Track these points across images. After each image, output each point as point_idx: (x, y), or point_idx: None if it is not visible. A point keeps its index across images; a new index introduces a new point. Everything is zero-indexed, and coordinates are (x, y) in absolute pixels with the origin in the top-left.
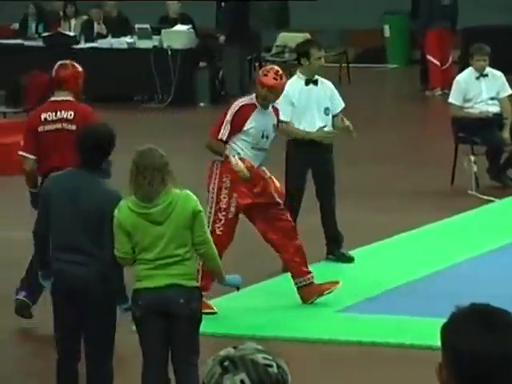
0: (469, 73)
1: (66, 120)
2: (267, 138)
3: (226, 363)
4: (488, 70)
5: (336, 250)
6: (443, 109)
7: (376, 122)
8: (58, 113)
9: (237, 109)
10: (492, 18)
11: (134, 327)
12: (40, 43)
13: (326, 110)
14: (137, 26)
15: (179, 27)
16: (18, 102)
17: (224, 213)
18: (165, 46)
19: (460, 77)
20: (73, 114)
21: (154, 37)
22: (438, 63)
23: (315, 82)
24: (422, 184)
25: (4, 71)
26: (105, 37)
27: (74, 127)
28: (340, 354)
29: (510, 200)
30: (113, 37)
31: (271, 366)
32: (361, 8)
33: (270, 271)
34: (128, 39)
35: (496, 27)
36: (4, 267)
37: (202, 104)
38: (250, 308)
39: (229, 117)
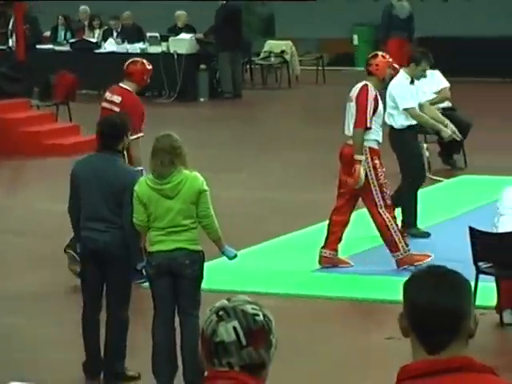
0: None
1: (114, 103)
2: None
3: (220, 313)
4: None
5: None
6: None
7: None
8: (113, 95)
9: (374, 95)
10: (444, 29)
11: (148, 284)
12: (67, 48)
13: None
14: (148, 34)
15: (184, 35)
16: (49, 97)
17: (386, 186)
18: (171, 51)
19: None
20: (120, 99)
21: (163, 43)
22: (397, 67)
23: (412, 82)
24: (386, 168)
25: (38, 72)
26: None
27: (117, 109)
28: (315, 308)
29: (456, 180)
30: (128, 43)
31: (258, 314)
32: (335, 20)
33: (265, 235)
34: (141, 45)
35: (445, 37)
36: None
37: (202, 99)
38: (245, 268)
39: (370, 104)
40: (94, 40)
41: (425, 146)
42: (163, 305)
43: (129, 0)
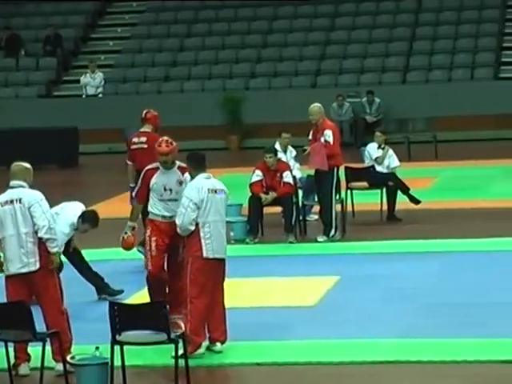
0: None
1: (142, 142)
2: (170, 190)
3: None
4: None
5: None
6: None
7: None
8: (140, 138)
9: (143, 173)
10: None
11: None
12: None
13: None
14: None
15: None
16: None
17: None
18: None
19: None
20: (146, 139)
21: None
22: None
23: None
24: None
25: None
26: None
27: (146, 146)
28: None
29: None
30: None
31: None
32: None
33: None
34: None
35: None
36: None
37: None
38: None
39: (140, 180)
40: None
41: None
42: None
43: None
